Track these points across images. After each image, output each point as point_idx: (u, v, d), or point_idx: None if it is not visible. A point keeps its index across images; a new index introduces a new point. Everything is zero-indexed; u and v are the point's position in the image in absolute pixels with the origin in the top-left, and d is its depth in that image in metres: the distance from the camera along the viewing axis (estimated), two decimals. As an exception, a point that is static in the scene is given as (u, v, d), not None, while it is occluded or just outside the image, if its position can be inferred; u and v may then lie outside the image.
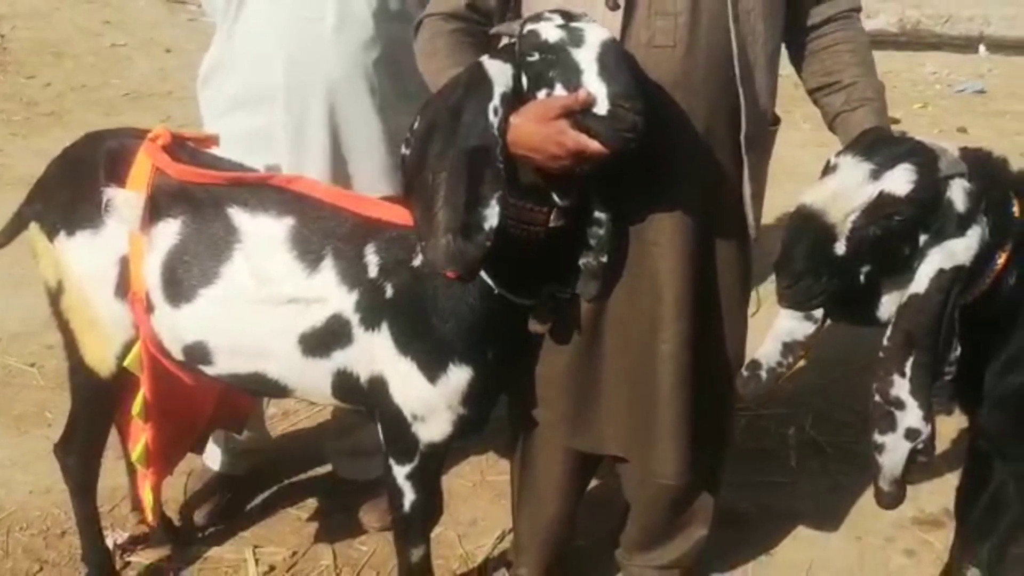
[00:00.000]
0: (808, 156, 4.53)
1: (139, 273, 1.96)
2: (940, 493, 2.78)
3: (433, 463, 2.07)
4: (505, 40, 1.82)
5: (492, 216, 1.68)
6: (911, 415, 1.75)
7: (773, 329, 1.95)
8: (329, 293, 1.88)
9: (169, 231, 1.94)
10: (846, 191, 1.70)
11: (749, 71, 1.87)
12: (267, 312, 1.90)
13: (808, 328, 1.91)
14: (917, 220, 1.69)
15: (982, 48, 7.33)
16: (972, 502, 2.24)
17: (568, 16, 1.71)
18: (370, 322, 1.89)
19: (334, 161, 2.24)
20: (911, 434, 1.77)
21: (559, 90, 1.67)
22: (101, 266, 1.99)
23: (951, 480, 2.55)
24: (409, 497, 2.05)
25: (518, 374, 2.04)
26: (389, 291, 1.87)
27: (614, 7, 1.81)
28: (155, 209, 1.94)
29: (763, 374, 1.92)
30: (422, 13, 2.01)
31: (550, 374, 2.05)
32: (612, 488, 2.45)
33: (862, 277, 1.74)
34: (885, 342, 1.76)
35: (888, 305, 1.79)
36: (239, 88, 2.26)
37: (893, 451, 1.79)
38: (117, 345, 2.05)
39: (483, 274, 1.80)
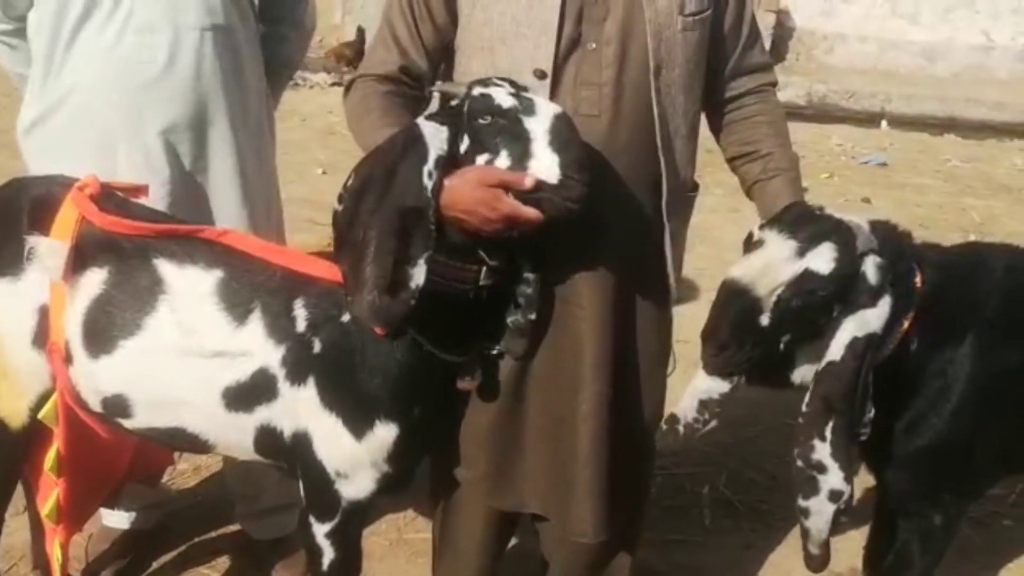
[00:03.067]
0: (719, 220, 4.68)
1: (59, 323, 1.92)
2: (847, 551, 2.84)
3: (355, 521, 2.06)
4: (441, 102, 1.86)
5: (418, 275, 1.70)
6: (833, 477, 1.84)
7: (691, 386, 2.01)
8: (256, 347, 1.87)
9: (93, 281, 1.91)
10: (773, 267, 1.81)
11: (670, 140, 1.94)
12: (191, 365, 1.88)
13: (724, 387, 1.97)
14: (836, 295, 1.81)
15: (884, 123, 7.69)
16: (879, 559, 2.31)
17: (516, 85, 1.76)
18: (296, 377, 1.88)
19: (183, 200, 2.24)
20: (834, 496, 1.85)
21: (503, 157, 1.71)
22: (19, 315, 1.94)
23: (858, 538, 2.62)
24: (329, 556, 2.02)
25: (444, 431, 2.05)
26: (317, 346, 1.86)
27: (541, 76, 1.87)
28: (79, 259, 1.91)
29: (680, 428, 1.99)
30: (354, 74, 2.05)
31: (472, 432, 2.06)
32: (531, 546, 2.46)
33: (782, 346, 1.84)
34: (804, 408, 1.85)
35: (801, 370, 1.90)
36: (72, 136, 2.22)
37: (818, 514, 1.88)
38: (32, 396, 2.00)
39: (411, 331, 1.82)
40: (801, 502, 1.88)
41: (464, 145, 1.74)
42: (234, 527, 2.80)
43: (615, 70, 1.89)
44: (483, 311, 1.85)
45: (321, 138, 6.29)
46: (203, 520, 2.83)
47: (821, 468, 1.84)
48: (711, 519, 3.07)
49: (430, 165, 1.71)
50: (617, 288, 1.96)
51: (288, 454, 1.97)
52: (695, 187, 2.09)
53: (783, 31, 8.58)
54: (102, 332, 1.90)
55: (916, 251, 1.97)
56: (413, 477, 2.09)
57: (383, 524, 2.89)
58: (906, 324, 1.90)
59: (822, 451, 1.83)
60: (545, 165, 1.68)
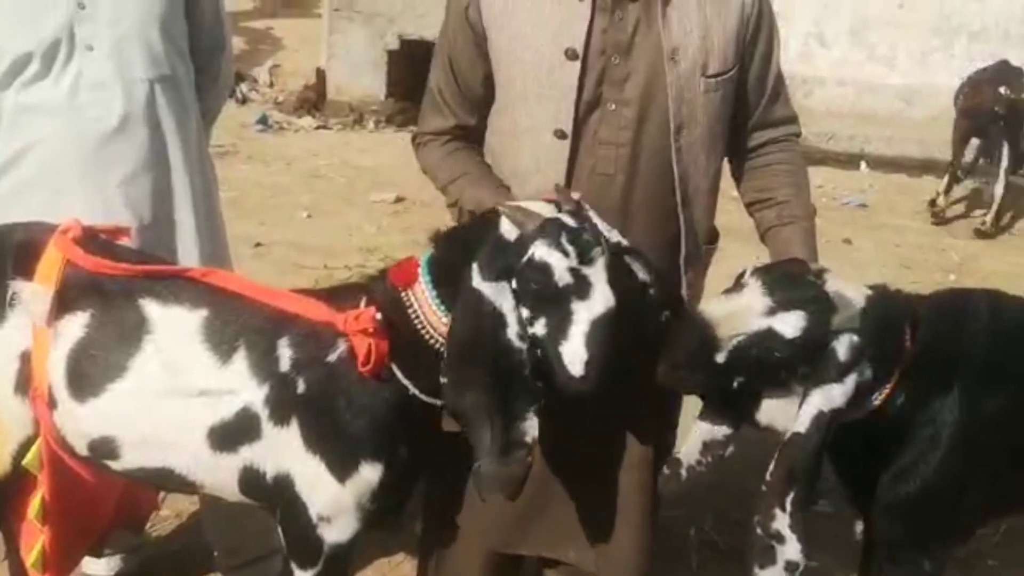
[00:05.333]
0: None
1: (42, 368, 1.91)
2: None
3: (339, 566, 2.02)
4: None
5: (531, 429, 1.72)
6: (790, 548, 1.85)
7: (694, 429, 2.03)
8: (240, 385, 1.86)
9: (76, 324, 1.91)
10: (740, 317, 1.83)
11: (689, 198, 1.97)
12: (177, 405, 1.87)
13: (726, 429, 2.00)
14: (794, 360, 1.83)
15: (863, 165, 7.78)
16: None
17: (581, 242, 1.69)
18: (279, 417, 1.87)
19: (147, 247, 2.24)
20: (790, 567, 1.86)
21: (540, 324, 1.71)
22: (1, 361, 1.93)
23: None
24: None
25: (434, 471, 2.05)
26: (301, 386, 1.86)
27: (561, 136, 1.91)
28: (63, 302, 1.91)
29: (683, 472, 2.00)
30: (417, 129, 2.13)
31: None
32: None
33: (735, 384, 1.86)
34: (768, 477, 1.87)
35: (768, 413, 1.92)
36: (27, 193, 2.23)
37: None
38: (14, 443, 1.98)
39: (399, 374, 1.82)
40: (757, 572, 1.89)
41: (520, 297, 1.73)
42: (217, 574, 2.77)
43: (633, 131, 1.92)
44: None
45: (306, 181, 6.30)
46: (187, 566, 2.78)
47: (780, 538, 1.85)
48: (698, 561, 3.05)
49: (514, 328, 1.71)
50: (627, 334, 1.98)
51: (271, 496, 1.95)
52: (715, 238, 2.11)
53: (762, 75, 8.68)
54: (88, 375, 1.90)
55: (908, 312, 2.00)
56: (401, 515, 2.07)
57: (369, 570, 2.86)
58: (888, 388, 1.94)
59: (782, 521, 1.84)
60: (574, 353, 1.69)
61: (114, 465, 1.97)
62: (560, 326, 1.70)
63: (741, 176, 2.14)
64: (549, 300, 1.70)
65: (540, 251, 1.69)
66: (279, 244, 5.09)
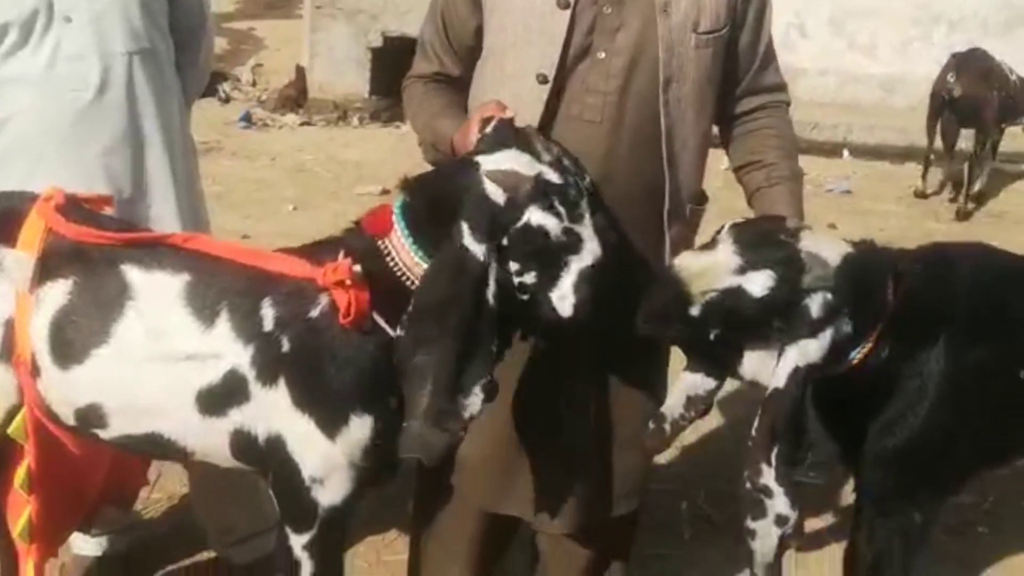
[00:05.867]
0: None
1: (25, 335, 1.89)
2: (827, 561, 2.86)
3: (334, 531, 2.00)
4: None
5: (473, 405, 1.71)
6: (779, 502, 1.87)
7: (678, 382, 2.04)
8: (225, 348, 1.85)
9: (59, 291, 1.89)
10: (711, 274, 1.86)
11: (675, 153, 1.98)
12: (163, 370, 1.86)
13: (710, 383, 2.02)
14: (765, 318, 1.85)
15: (846, 153, 7.81)
16: (860, 563, 2.31)
17: (568, 201, 1.72)
18: (266, 378, 1.86)
19: (131, 218, 2.23)
20: (780, 520, 1.88)
21: (530, 275, 1.73)
22: None
23: (837, 550, 2.63)
24: (308, 569, 1.97)
25: None
26: (285, 345, 1.84)
27: (543, 81, 1.93)
28: (45, 270, 1.89)
29: (667, 426, 2.01)
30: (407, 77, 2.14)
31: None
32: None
33: (712, 336, 1.89)
34: (753, 433, 1.89)
35: (750, 367, 1.94)
36: (7, 165, 2.23)
37: (764, 537, 1.91)
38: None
39: (383, 323, 1.81)
40: (749, 523, 1.91)
41: (506, 258, 1.73)
42: (212, 553, 2.75)
43: (622, 80, 1.93)
44: None
45: (291, 176, 6.29)
46: (179, 547, 2.78)
47: (768, 492, 1.87)
48: (690, 534, 3.06)
49: (491, 291, 1.71)
50: (613, 289, 1.96)
51: (263, 460, 1.94)
52: (703, 199, 2.12)
53: (744, 66, 8.72)
54: (71, 342, 1.88)
55: (890, 267, 2.01)
56: (396, 472, 2.06)
57: (361, 546, 2.85)
58: (874, 337, 1.95)
59: (768, 476, 1.86)
60: (564, 298, 1.73)
61: (103, 433, 1.95)
62: (552, 277, 1.73)
63: (730, 141, 2.15)
64: (542, 258, 1.73)
65: (535, 216, 1.71)
66: (266, 236, 5.04)
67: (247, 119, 7.29)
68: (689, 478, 3.28)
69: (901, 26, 8.70)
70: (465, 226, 1.71)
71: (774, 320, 1.85)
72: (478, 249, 1.70)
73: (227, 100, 7.72)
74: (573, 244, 1.73)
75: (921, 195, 6.84)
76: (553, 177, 1.74)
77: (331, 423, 1.87)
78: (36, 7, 2.15)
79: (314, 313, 1.84)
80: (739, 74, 2.06)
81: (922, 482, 2.13)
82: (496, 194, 1.73)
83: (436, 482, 2.17)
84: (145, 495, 2.92)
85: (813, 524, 3.12)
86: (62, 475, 2.08)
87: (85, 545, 2.57)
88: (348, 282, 1.77)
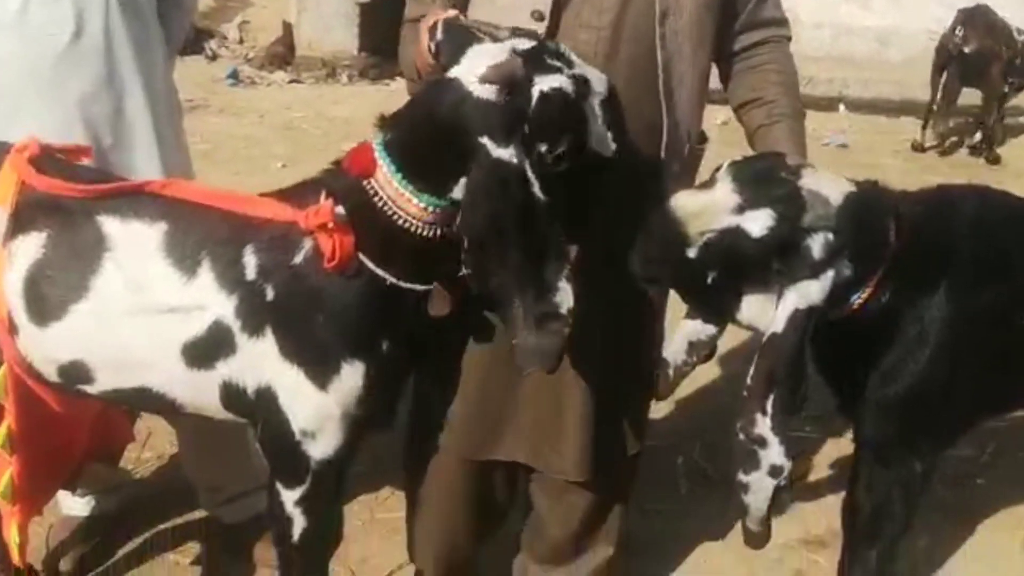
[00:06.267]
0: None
1: (0, 293, 1.84)
2: (825, 514, 2.85)
3: (327, 484, 1.95)
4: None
5: (566, 298, 1.64)
6: (773, 452, 1.81)
7: (679, 328, 1.99)
8: (209, 299, 1.79)
9: (33, 245, 1.83)
10: (709, 214, 1.79)
11: (672, 87, 1.92)
12: (146, 323, 1.80)
13: (711, 329, 1.97)
14: (765, 258, 1.79)
15: (842, 107, 7.73)
16: (858, 514, 2.28)
17: (553, 51, 1.68)
18: (252, 328, 1.80)
19: (112, 168, 2.17)
20: (774, 471, 1.82)
21: (563, 141, 1.65)
22: None
23: (835, 501, 2.62)
24: (300, 525, 1.93)
25: (423, 361, 1.99)
26: (270, 293, 1.78)
27: (539, 18, 1.87)
28: (18, 223, 1.83)
29: (670, 372, 1.97)
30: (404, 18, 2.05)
31: (463, 376, 2.04)
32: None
33: (710, 279, 1.82)
34: (748, 381, 1.83)
35: (749, 312, 1.87)
36: None
37: (758, 490, 1.85)
38: (-23, 371, 1.92)
39: (372, 264, 1.75)
40: (741, 477, 1.85)
41: (526, 130, 1.64)
42: (203, 513, 2.72)
43: (614, 14, 1.88)
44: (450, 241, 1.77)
45: (280, 133, 6.20)
46: (169, 506, 2.74)
47: (762, 442, 1.81)
48: (687, 488, 3.05)
49: (537, 187, 1.63)
50: (608, 227, 1.92)
51: (254, 412, 1.89)
52: (703, 139, 2.06)
53: (739, 20, 8.61)
54: (48, 297, 1.82)
55: (892, 208, 1.95)
56: (393, 420, 2.01)
57: (355, 504, 2.82)
58: (874, 281, 1.90)
59: (763, 425, 1.80)
60: (601, 139, 1.68)
61: (89, 389, 1.90)
62: (582, 130, 1.66)
63: (730, 78, 2.09)
64: (567, 117, 1.65)
65: (544, 84, 1.64)
66: (256, 192, 5.00)
67: (234, 76, 7.18)
68: (685, 432, 3.26)
69: (896, -22, 8.60)
70: (485, 139, 1.63)
71: (774, 261, 1.79)
72: (507, 154, 1.62)
73: (214, 58, 7.60)
74: (584, 85, 1.66)
75: (919, 148, 6.78)
76: (525, 43, 1.69)
77: (322, 373, 1.81)
78: None
79: (298, 259, 1.77)
80: (738, 7, 2.00)
81: (922, 431, 2.09)
82: (494, 93, 1.65)
83: (427, 438, 2.13)
84: (135, 454, 2.90)
85: (809, 476, 3.11)
86: (44, 433, 2.03)
87: (74, 505, 2.54)
88: (331, 225, 1.71)
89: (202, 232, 1.80)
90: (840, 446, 3.16)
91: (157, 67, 2.28)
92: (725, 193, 1.79)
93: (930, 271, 1.97)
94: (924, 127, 6.77)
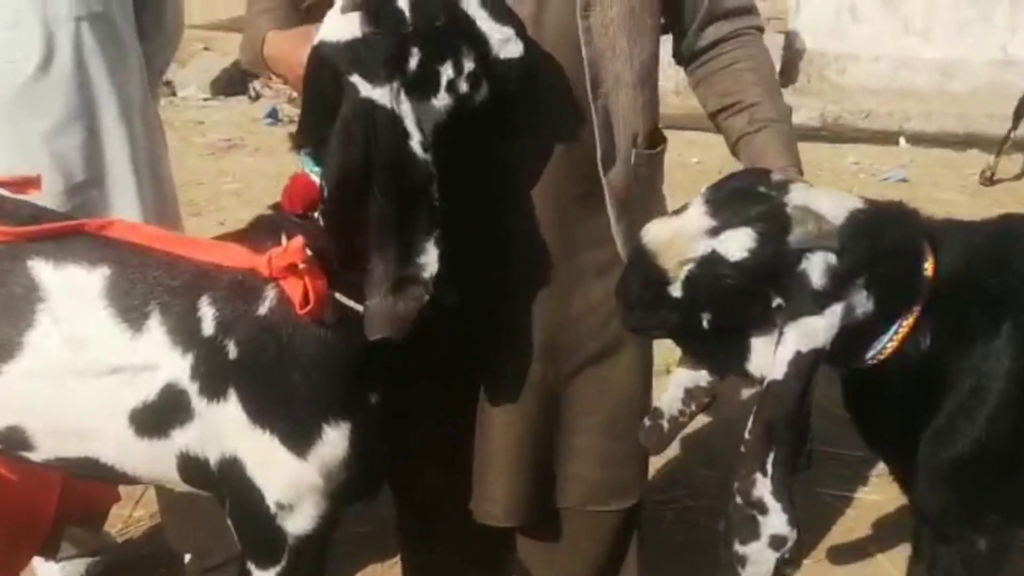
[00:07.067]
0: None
1: None
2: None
3: (306, 562, 1.73)
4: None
5: (430, 262, 1.48)
6: (775, 520, 1.54)
7: (674, 375, 1.76)
8: (159, 357, 1.58)
9: None
10: (681, 241, 1.57)
11: (605, 88, 1.70)
12: (87, 386, 1.60)
13: (710, 376, 1.73)
14: (753, 287, 1.54)
15: (902, 140, 7.44)
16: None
17: None
18: (212, 390, 1.59)
19: (79, 212, 1.99)
20: (776, 542, 1.55)
21: (468, 60, 1.51)
22: None
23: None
24: None
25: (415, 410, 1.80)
26: (232, 350, 1.58)
27: None
28: None
29: (665, 424, 1.73)
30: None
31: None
32: None
33: (705, 323, 1.59)
34: (747, 435, 1.57)
35: (756, 357, 1.61)
36: None
37: (758, 563, 1.57)
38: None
39: (350, 302, 1.55)
40: (738, 548, 1.57)
41: (414, 60, 1.48)
42: (193, 577, 2.52)
43: (534, 6, 1.65)
44: None
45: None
46: (162, 570, 2.54)
47: (762, 508, 1.54)
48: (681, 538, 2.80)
49: (416, 140, 1.47)
50: (547, 250, 1.74)
51: (218, 485, 1.68)
52: (657, 142, 1.82)
53: (792, 53, 8.35)
54: None
55: (924, 233, 1.68)
56: (382, 482, 1.80)
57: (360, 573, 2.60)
58: (910, 320, 1.62)
59: (764, 487, 1.54)
60: (502, 41, 1.52)
61: (33, 456, 1.70)
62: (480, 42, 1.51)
63: (699, 84, 1.85)
64: (446, 36, 1.49)
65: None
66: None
67: (273, 115, 7.10)
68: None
69: (957, 6, 8.30)
70: (355, 78, 1.46)
71: (769, 293, 1.54)
72: (379, 94, 1.45)
73: (256, 98, 7.55)
74: None
75: (988, 180, 6.41)
76: None
77: (299, 437, 1.60)
78: None
79: (262, 310, 1.57)
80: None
81: (988, 502, 1.80)
82: (353, 27, 1.48)
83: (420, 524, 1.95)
84: (126, 511, 2.72)
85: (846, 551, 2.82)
86: (6, 497, 1.86)
87: (49, 572, 2.35)
88: (301, 266, 1.51)
89: (151, 279, 1.60)
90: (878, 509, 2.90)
91: (135, 92, 2.11)
92: (697, 215, 1.57)
93: (988, 312, 1.68)
94: (998, 155, 6.40)
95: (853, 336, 1.58)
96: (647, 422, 1.76)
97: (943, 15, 8.33)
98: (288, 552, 1.68)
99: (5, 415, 1.65)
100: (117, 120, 2.07)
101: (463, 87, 1.52)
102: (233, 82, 7.36)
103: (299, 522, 1.66)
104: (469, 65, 1.52)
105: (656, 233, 1.59)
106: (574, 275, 1.78)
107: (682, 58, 1.84)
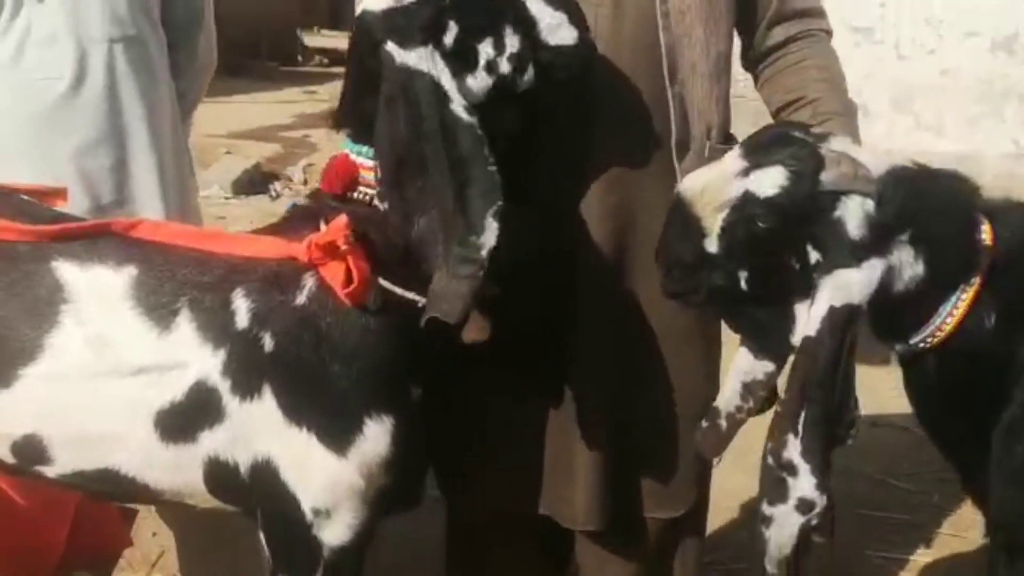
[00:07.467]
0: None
1: None
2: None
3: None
4: None
5: (489, 238, 1.40)
6: (804, 482, 1.50)
7: (732, 368, 1.70)
8: (188, 355, 1.52)
9: None
10: (715, 184, 1.54)
11: (681, 75, 1.71)
12: (111, 388, 1.53)
13: (768, 365, 1.68)
14: (787, 231, 1.50)
15: None
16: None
17: None
18: (245, 388, 1.52)
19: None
20: (803, 506, 1.50)
21: (509, 33, 1.48)
22: None
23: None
24: None
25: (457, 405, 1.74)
26: (268, 342, 1.51)
27: None
28: None
29: (723, 422, 1.67)
30: None
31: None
32: None
33: (743, 283, 1.54)
34: (783, 395, 1.54)
35: (802, 326, 1.55)
36: None
37: (782, 525, 1.52)
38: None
39: (396, 288, 1.49)
40: (764, 508, 1.53)
41: (451, 34, 1.45)
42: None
43: None
44: None
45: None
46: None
47: (792, 469, 1.50)
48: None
49: (457, 101, 1.42)
50: (618, 238, 1.72)
51: (249, 495, 1.58)
52: (727, 139, 1.81)
53: (807, 149, 8.50)
54: None
55: (978, 199, 1.61)
56: (422, 490, 1.69)
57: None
58: (970, 292, 1.55)
59: (794, 448, 1.49)
60: (552, 27, 1.48)
61: (48, 471, 1.62)
62: (523, 15, 1.47)
63: (765, 82, 1.87)
64: (497, 9, 1.45)
65: None
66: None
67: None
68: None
69: (966, 103, 8.41)
70: (388, 45, 1.43)
71: (804, 243, 1.48)
72: (413, 59, 1.42)
73: (276, 197, 7.64)
74: None
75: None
76: None
77: (338, 432, 1.52)
78: None
79: (300, 299, 1.51)
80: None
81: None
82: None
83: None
84: (143, 575, 2.58)
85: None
86: (12, 533, 1.78)
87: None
88: (343, 247, 1.44)
89: (179, 276, 1.54)
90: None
91: (165, 118, 2.12)
92: (731, 160, 1.54)
93: None
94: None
95: (903, 303, 1.51)
96: (704, 423, 1.70)
97: (953, 111, 8.45)
98: (324, 568, 1.58)
99: (22, 422, 1.58)
100: (147, 147, 2.06)
101: (504, 67, 1.49)
102: (254, 182, 7.50)
103: (336, 531, 1.57)
104: (513, 46, 1.49)
105: (691, 183, 1.57)
106: (643, 277, 1.75)
107: (750, 61, 1.86)
